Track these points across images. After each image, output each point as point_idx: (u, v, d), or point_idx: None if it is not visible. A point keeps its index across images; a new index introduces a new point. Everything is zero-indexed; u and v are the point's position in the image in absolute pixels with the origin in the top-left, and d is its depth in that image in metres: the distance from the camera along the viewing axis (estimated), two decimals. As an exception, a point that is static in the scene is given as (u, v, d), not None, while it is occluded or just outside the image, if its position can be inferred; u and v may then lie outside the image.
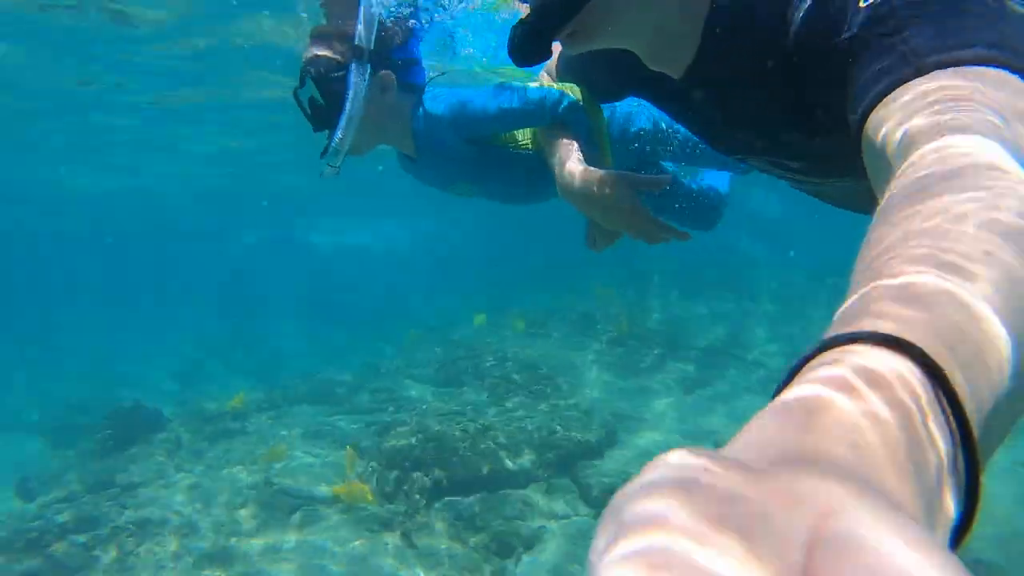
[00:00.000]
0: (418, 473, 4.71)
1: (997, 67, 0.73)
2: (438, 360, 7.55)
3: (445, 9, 3.27)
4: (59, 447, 7.39)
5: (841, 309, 0.45)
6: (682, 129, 2.40)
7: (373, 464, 4.98)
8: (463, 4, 3.37)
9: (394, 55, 2.09)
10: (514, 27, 1.12)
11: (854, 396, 0.33)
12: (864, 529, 0.23)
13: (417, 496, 4.57)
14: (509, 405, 5.77)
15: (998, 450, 0.44)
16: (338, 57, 1.99)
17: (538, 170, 1.95)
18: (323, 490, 4.71)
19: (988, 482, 0.37)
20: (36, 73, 6.18)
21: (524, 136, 2.09)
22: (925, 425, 0.33)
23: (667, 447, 0.29)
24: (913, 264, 0.44)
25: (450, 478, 4.63)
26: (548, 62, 1.98)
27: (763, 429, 0.32)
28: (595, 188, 1.65)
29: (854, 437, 0.31)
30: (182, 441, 5.83)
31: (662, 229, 1.67)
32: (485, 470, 4.70)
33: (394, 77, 2.07)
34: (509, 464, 4.80)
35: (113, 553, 4.10)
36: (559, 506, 4.50)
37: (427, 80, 2.18)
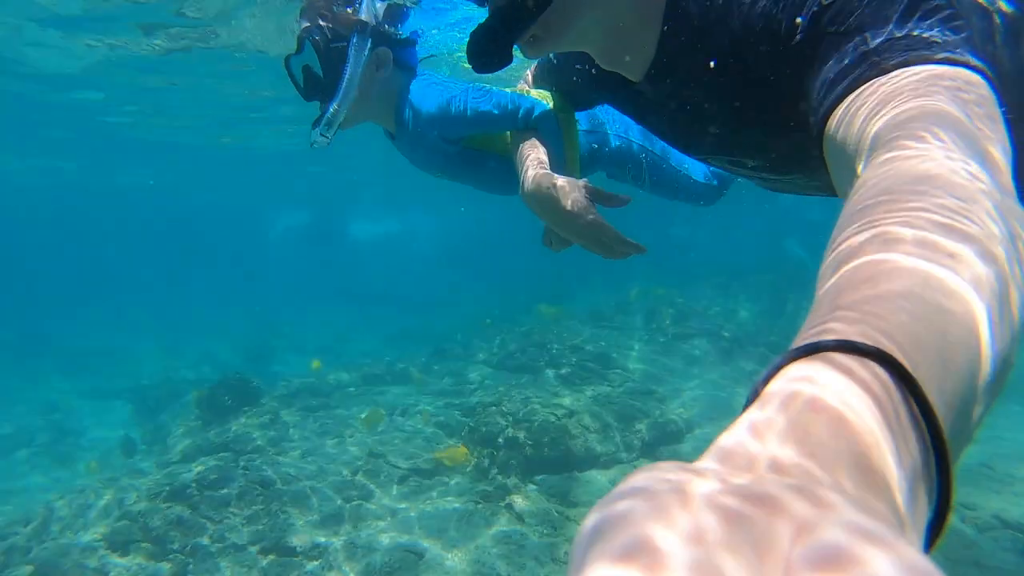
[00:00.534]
0: (511, 451, 5.05)
1: (955, 67, 0.74)
2: (510, 348, 7.90)
3: None
4: (148, 413, 7.89)
5: (812, 314, 0.45)
6: (657, 145, 2.48)
7: (466, 442, 5.34)
8: None
9: (392, 34, 2.11)
10: (474, 31, 1.10)
11: (828, 403, 0.33)
12: (845, 538, 0.23)
13: (512, 475, 4.91)
14: (588, 393, 6.10)
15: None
16: (340, 28, 2.00)
17: (512, 172, 1.92)
18: (423, 462, 5.07)
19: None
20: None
21: (502, 140, 2.07)
22: (897, 428, 0.34)
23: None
24: (883, 268, 0.45)
25: (542, 458, 4.96)
26: (527, 70, 2.07)
27: (741, 435, 0.33)
28: (554, 194, 1.63)
29: (830, 442, 0.31)
30: (279, 413, 6.22)
31: (621, 243, 1.64)
32: (575, 451, 5.03)
33: (391, 55, 2.09)
34: (597, 447, 5.13)
35: (245, 510, 4.49)
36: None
37: (418, 62, 2.20)
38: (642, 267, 9.37)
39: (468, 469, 5.05)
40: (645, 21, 1.09)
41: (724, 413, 5.92)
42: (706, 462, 0.31)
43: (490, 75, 1.21)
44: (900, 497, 0.31)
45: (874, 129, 0.69)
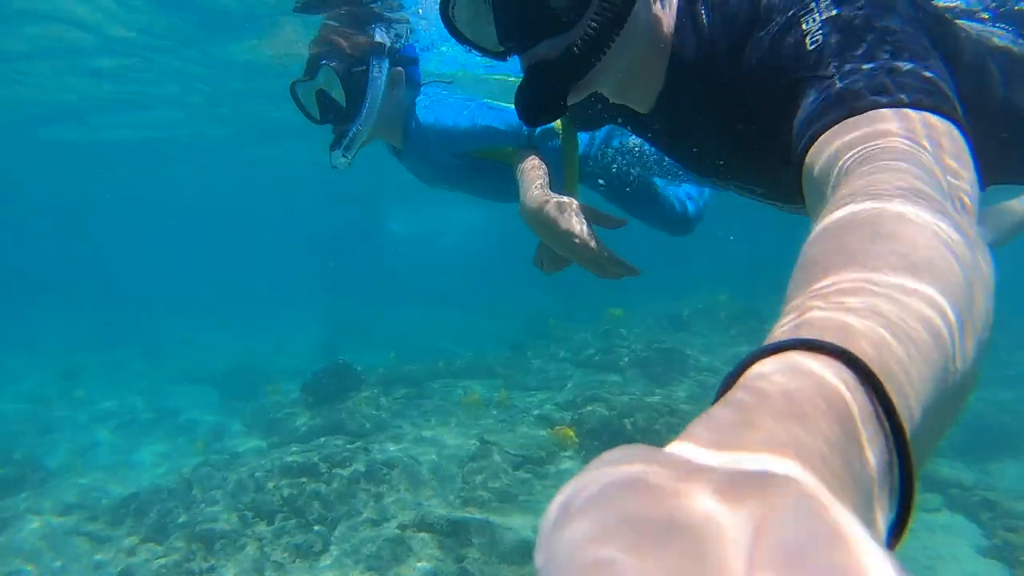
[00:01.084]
0: (619, 442, 5.26)
1: (924, 111, 0.78)
2: (591, 346, 8.12)
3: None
4: (237, 397, 8.24)
5: (783, 319, 0.46)
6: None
7: (571, 434, 5.56)
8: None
9: (400, 53, 2.17)
10: (524, 87, 1.13)
11: (794, 402, 0.33)
12: (807, 531, 0.23)
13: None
14: (681, 393, 6.29)
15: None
16: (359, 52, 2.04)
17: (514, 184, 1.96)
18: (534, 450, 5.30)
19: None
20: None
21: (507, 151, 2.10)
22: (860, 430, 0.34)
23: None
24: (846, 283, 0.46)
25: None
26: None
27: (700, 432, 0.32)
28: (552, 213, 1.68)
29: (793, 439, 0.31)
30: (380, 399, 6.49)
31: (614, 263, 1.68)
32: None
33: (404, 73, 2.14)
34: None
35: (373, 488, 4.75)
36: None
37: (423, 80, 2.26)
38: (727, 275, 9.51)
39: (576, 457, 5.26)
40: (656, 59, 1.16)
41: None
42: (674, 449, 0.31)
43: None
44: (854, 495, 0.31)
45: (837, 169, 0.74)
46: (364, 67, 2.03)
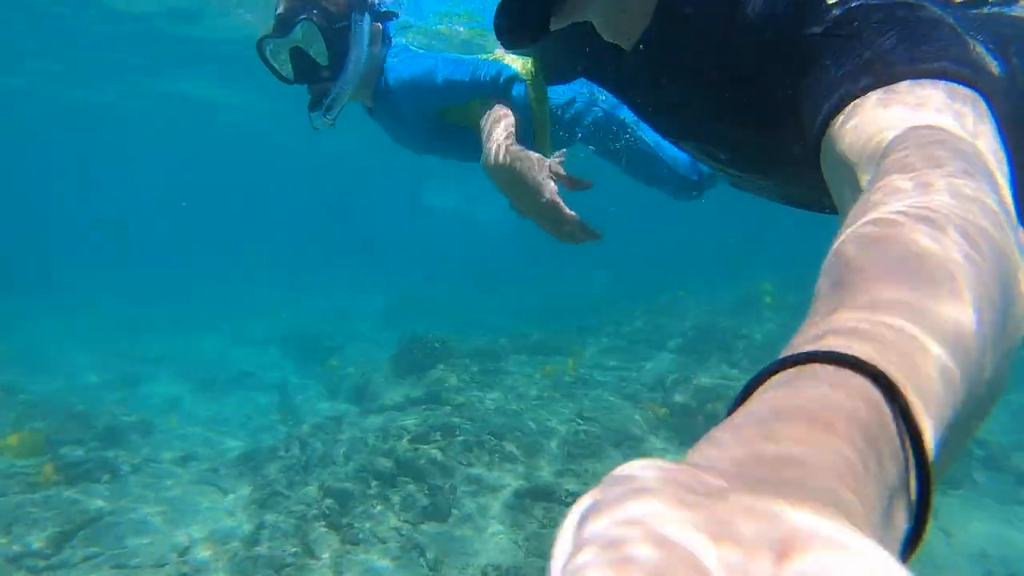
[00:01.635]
0: (711, 425, 5.40)
1: (959, 83, 0.72)
2: (638, 325, 8.28)
3: None
4: (306, 362, 8.44)
5: (806, 326, 0.45)
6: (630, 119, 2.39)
7: (664, 413, 5.71)
8: None
9: (377, 7, 2.07)
10: (503, 4, 1.02)
11: (813, 414, 0.33)
12: (829, 547, 0.23)
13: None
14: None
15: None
16: (336, 6, 1.93)
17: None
18: (632, 427, 5.46)
19: None
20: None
21: (475, 113, 1.98)
22: (882, 447, 0.34)
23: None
24: (875, 291, 0.45)
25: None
26: None
27: (724, 441, 0.32)
28: (517, 169, 1.60)
29: (813, 453, 0.31)
30: (467, 373, 6.65)
31: (577, 226, 1.60)
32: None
33: (382, 29, 2.06)
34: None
35: (485, 457, 4.92)
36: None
37: (394, 34, 2.17)
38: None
39: (669, 437, 5.42)
40: None
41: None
42: (693, 461, 0.31)
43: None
44: (868, 511, 0.31)
45: (871, 148, 0.68)
46: (346, 23, 1.93)
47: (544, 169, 1.60)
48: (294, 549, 3.79)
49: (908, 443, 0.36)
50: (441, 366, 6.60)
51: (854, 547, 0.23)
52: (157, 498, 4.62)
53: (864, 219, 0.54)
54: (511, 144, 1.67)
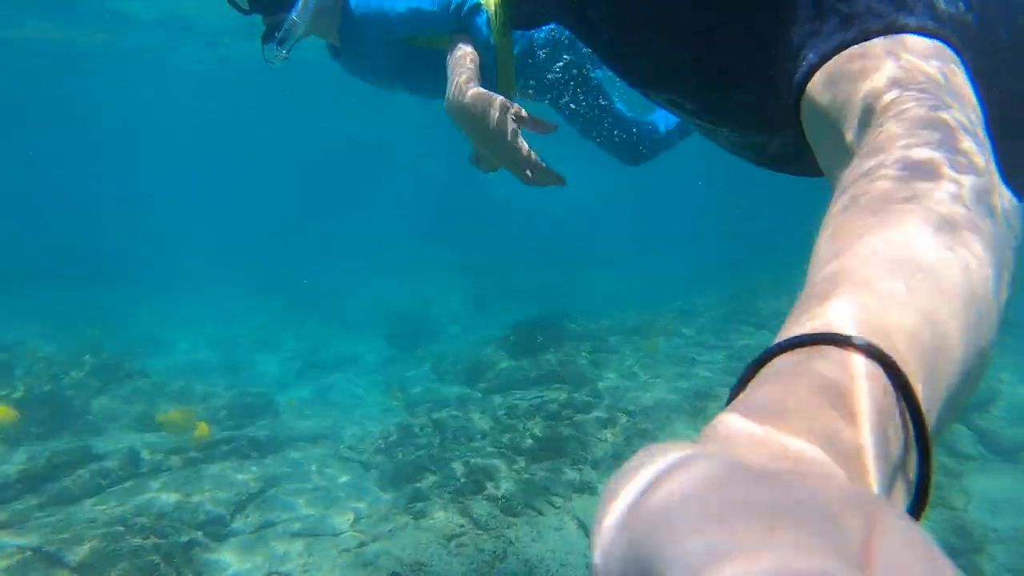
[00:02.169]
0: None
1: (939, 40, 0.71)
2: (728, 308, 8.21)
3: None
4: (406, 345, 8.60)
5: (801, 304, 0.45)
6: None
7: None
8: None
9: None
10: None
11: (820, 396, 0.34)
12: (910, 537, 0.23)
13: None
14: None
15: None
16: None
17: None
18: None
19: None
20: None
21: (439, 41, 1.98)
22: (888, 427, 0.35)
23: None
24: (870, 267, 0.44)
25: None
26: None
27: (739, 423, 0.33)
28: (478, 109, 1.57)
29: (824, 432, 0.32)
30: (581, 353, 6.71)
31: (542, 170, 1.58)
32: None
33: None
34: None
35: (621, 435, 4.98)
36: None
37: None
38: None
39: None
40: None
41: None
42: (707, 446, 0.31)
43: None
44: (874, 481, 0.32)
45: (856, 106, 0.67)
46: None
47: (507, 111, 1.56)
48: (461, 521, 3.91)
49: (909, 422, 0.36)
50: (553, 348, 6.67)
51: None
52: (305, 473, 4.80)
53: (856, 191, 0.54)
54: (473, 86, 1.63)
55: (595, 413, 5.22)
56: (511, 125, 1.56)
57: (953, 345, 0.42)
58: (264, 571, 3.51)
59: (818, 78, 0.74)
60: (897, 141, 0.56)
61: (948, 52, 0.70)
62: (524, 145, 1.56)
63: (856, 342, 0.37)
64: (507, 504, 4.11)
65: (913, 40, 0.70)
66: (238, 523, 4.04)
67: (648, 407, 5.31)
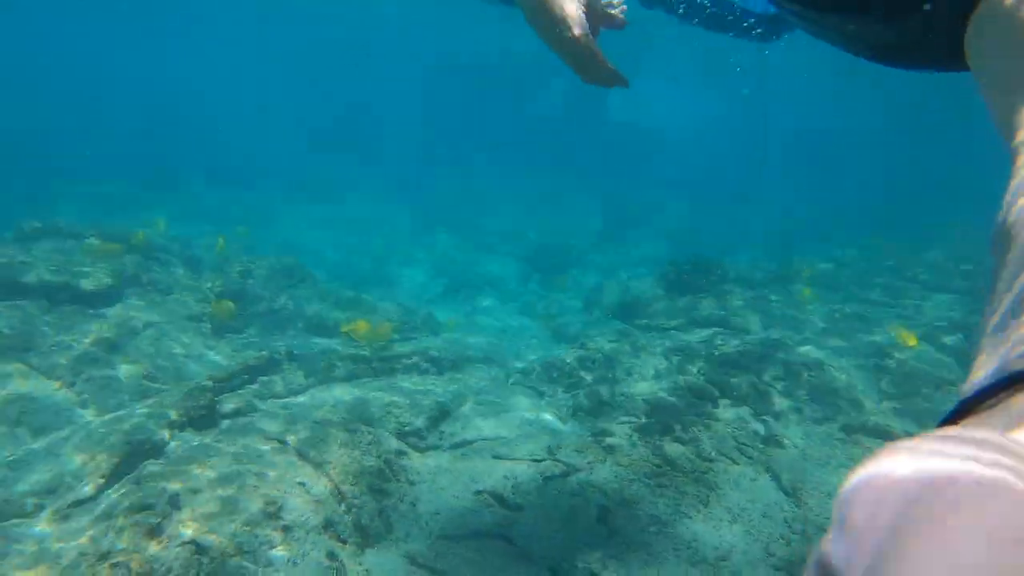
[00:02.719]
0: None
1: None
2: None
3: None
4: (547, 273, 8.63)
5: (997, 320, 0.40)
6: None
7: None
8: None
9: None
10: None
11: None
12: None
13: None
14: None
15: None
16: None
17: None
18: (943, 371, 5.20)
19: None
20: None
21: None
22: None
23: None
24: None
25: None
26: None
27: None
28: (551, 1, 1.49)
29: None
30: (736, 297, 6.56)
31: (607, 69, 1.54)
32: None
33: None
34: None
35: (799, 391, 4.86)
36: None
37: None
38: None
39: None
40: None
41: None
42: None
43: None
44: None
45: None
46: None
47: (578, 3, 1.48)
48: (656, 461, 3.95)
49: None
50: (709, 290, 6.53)
51: None
52: (487, 395, 4.91)
53: None
54: None
55: (768, 363, 5.11)
56: (579, 16, 1.49)
57: None
58: (472, 489, 3.66)
59: None
60: None
61: None
62: (590, 39, 1.51)
63: None
64: (698, 449, 4.11)
65: None
66: (433, 438, 4.21)
67: (819, 361, 5.15)
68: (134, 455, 3.45)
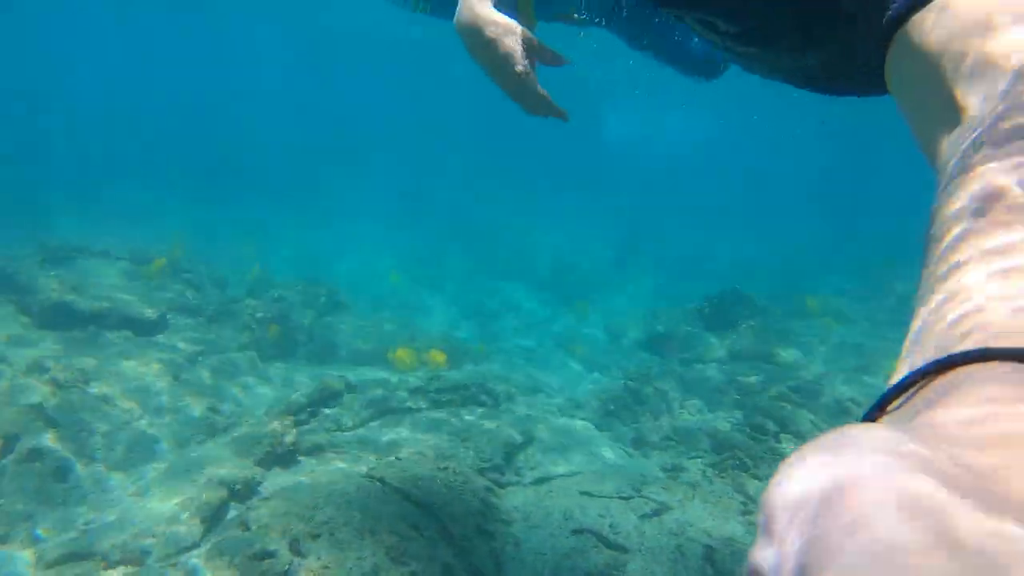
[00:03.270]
0: None
1: None
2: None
3: None
4: (568, 299, 8.66)
5: (928, 308, 0.41)
6: None
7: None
8: None
9: None
10: None
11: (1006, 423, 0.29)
12: None
13: None
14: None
15: None
16: None
17: None
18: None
19: None
20: None
21: None
22: None
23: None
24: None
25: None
26: None
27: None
28: (489, 34, 1.51)
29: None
30: (769, 329, 6.67)
31: (546, 104, 1.56)
32: None
33: None
34: None
35: (823, 420, 4.95)
36: None
37: None
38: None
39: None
40: None
41: None
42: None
43: None
44: None
45: (984, 55, 0.52)
46: None
47: (518, 39, 1.52)
48: (742, 499, 3.97)
49: None
50: (751, 322, 6.64)
51: None
52: (544, 427, 4.86)
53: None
54: (488, 8, 1.57)
55: (822, 399, 5.21)
56: (521, 54, 1.52)
57: None
58: (568, 528, 3.62)
59: (920, 14, 0.59)
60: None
61: None
62: (530, 75, 1.53)
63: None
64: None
65: None
66: (510, 474, 4.17)
67: (855, 398, 5.27)
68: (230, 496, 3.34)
